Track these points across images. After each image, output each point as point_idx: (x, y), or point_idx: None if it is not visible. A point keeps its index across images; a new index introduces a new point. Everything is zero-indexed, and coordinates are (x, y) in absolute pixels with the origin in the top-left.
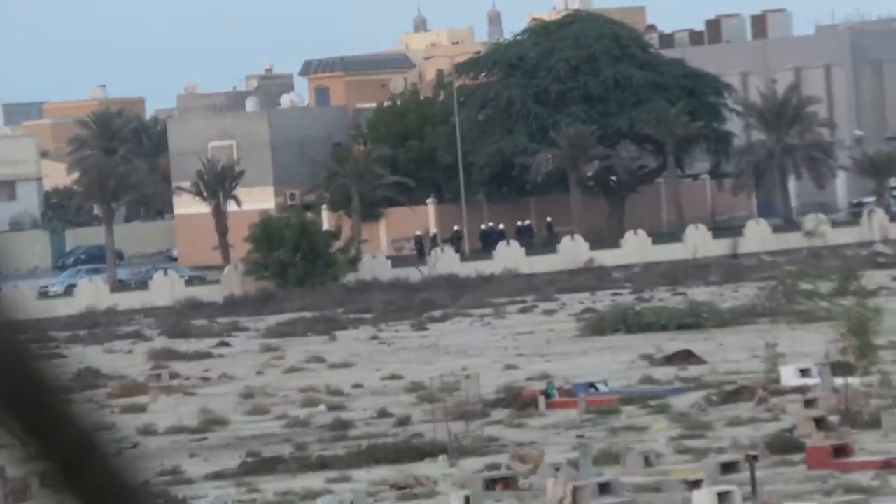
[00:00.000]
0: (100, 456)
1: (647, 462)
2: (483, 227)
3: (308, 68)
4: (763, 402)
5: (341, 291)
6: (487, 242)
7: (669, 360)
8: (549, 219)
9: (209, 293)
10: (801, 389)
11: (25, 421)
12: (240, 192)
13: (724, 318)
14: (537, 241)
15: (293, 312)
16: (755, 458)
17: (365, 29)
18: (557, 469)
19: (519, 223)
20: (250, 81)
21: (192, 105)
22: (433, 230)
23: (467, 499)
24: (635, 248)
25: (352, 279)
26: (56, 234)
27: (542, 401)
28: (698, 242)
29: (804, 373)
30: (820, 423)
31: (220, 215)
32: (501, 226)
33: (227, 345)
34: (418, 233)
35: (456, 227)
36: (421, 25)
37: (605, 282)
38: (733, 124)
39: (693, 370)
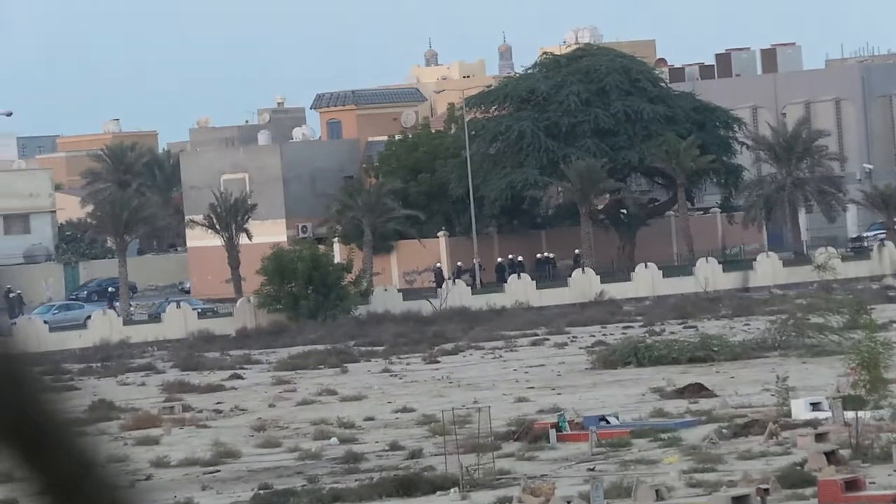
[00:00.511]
0: (106, 490)
1: (659, 495)
2: (500, 259)
3: (320, 102)
4: (774, 436)
5: (353, 324)
6: (504, 275)
7: (680, 393)
8: (576, 251)
9: (221, 326)
10: (812, 423)
11: (31, 454)
12: (252, 224)
13: (735, 352)
14: (562, 274)
15: (305, 345)
16: (766, 491)
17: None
18: (569, 502)
19: (539, 255)
20: (262, 115)
21: (204, 138)
22: (456, 262)
23: None
24: (646, 281)
25: (363, 312)
26: (70, 266)
27: (553, 433)
28: (709, 276)
29: (815, 406)
30: (831, 456)
31: (232, 248)
32: (521, 258)
33: (239, 377)
34: (438, 265)
35: (476, 260)
36: (432, 59)
37: (616, 315)
38: (743, 158)
39: (704, 403)
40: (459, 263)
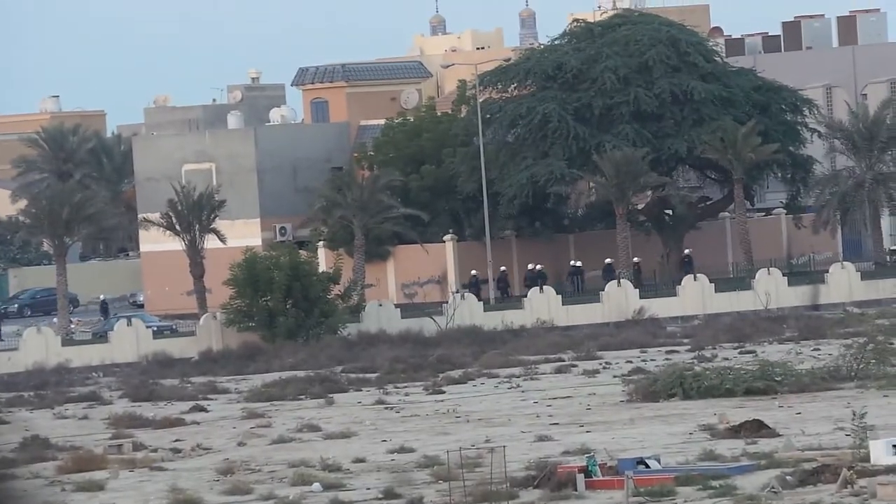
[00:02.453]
0: None
1: None
2: (531, 266)
3: (303, 77)
4: (849, 484)
5: (341, 346)
6: (535, 286)
7: (736, 431)
8: (636, 259)
9: (182, 347)
10: (894, 469)
11: None
12: (220, 225)
13: (802, 382)
14: (593, 286)
15: (282, 371)
16: None
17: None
18: None
19: (573, 263)
20: (233, 93)
21: (162, 120)
22: (471, 271)
23: None
24: (695, 296)
25: (353, 331)
26: None
27: (580, 480)
28: (771, 290)
29: None
30: None
31: (195, 253)
32: (539, 266)
33: (202, 409)
34: (503, 268)
35: (503, 268)
36: (439, 27)
37: (657, 337)
38: (814, 148)
39: (764, 444)
40: (475, 272)
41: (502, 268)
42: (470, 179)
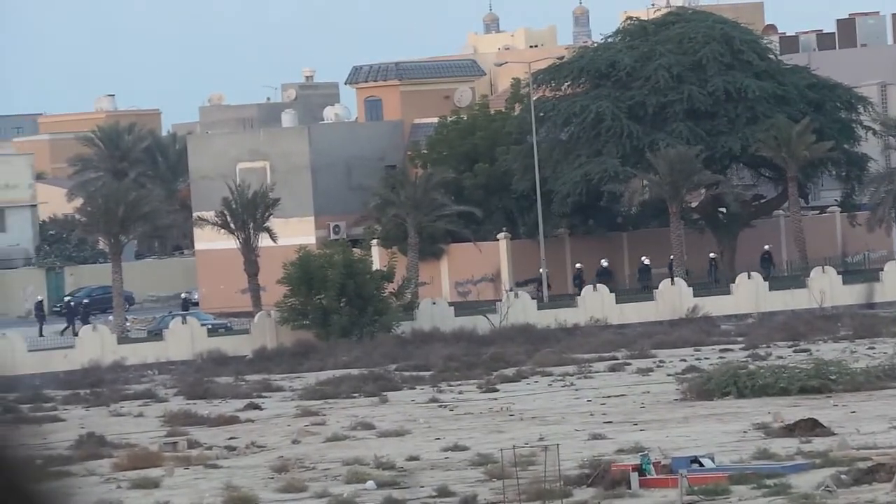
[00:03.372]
0: None
1: None
2: (603, 262)
3: (356, 76)
4: None
5: (394, 344)
6: (605, 282)
7: (790, 430)
8: (711, 254)
9: (236, 345)
10: None
11: None
12: (274, 223)
13: (857, 381)
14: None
15: (336, 369)
16: None
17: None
18: None
19: (644, 260)
20: (287, 91)
21: (217, 119)
22: (576, 264)
23: None
24: (749, 294)
25: (407, 329)
26: (53, 272)
27: (635, 478)
28: (826, 288)
29: None
30: None
31: (249, 251)
32: (646, 260)
33: (257, 407)
34: (578, 265)
35: (578, 265)
36: (492, 25)
37: (711, 335)
38: (870, 146)
39: (819, 443)
40: (579, 265)
41: (578, 265)
42: (523, 177)
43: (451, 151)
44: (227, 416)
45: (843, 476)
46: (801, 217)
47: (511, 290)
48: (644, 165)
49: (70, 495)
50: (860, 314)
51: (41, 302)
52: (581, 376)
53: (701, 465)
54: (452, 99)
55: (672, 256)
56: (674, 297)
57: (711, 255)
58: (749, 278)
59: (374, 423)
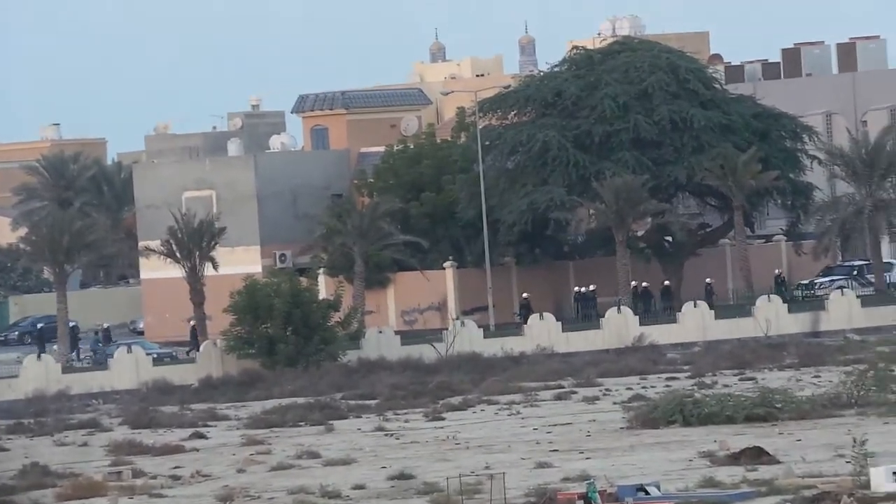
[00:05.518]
0: None
1: None
2: (579, 289)
3: (302, 104)
4: None
5: (341, 373)
6: (586, 307)
7: (736, 458)
8: (666, 282)
9: (181, 374)
10: (894, 496)
11: None
12: (220, 252)
13: (803, 409)
14: (655, 307)
15: (282, 398)
16: None
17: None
18: None
19: (581, 289)
20: (233, 120)
21: (163, 148)
22: (522, 294)
23: None
24: (695, 323)
25: (353, 358)
26: None
27: None
28: (771, 317)
29: None
30: None
31: (195, 280)
32: (592, 287)
33: (202, 436)
34: (525, 295)
35: (525, 295)
36: (439, 54)
37: (657, 363)
38: (815, 175)
39: (765, 471)
40: (526, 295)
41: (524, 295)
42: (470, 206)
43: (398, 180)
44: (172, 446)
45: None
46: (746, 246)
47: (457, 318)
48: (590, 194)
49: None
50: (805, 343)
51: None
52: (527, 405)
53: (647, 493)
54: (399, 128)
55: (580, 288)
56: (620, 326)
57: (666, 282)
58: (695, 307)
59: (320, 451)
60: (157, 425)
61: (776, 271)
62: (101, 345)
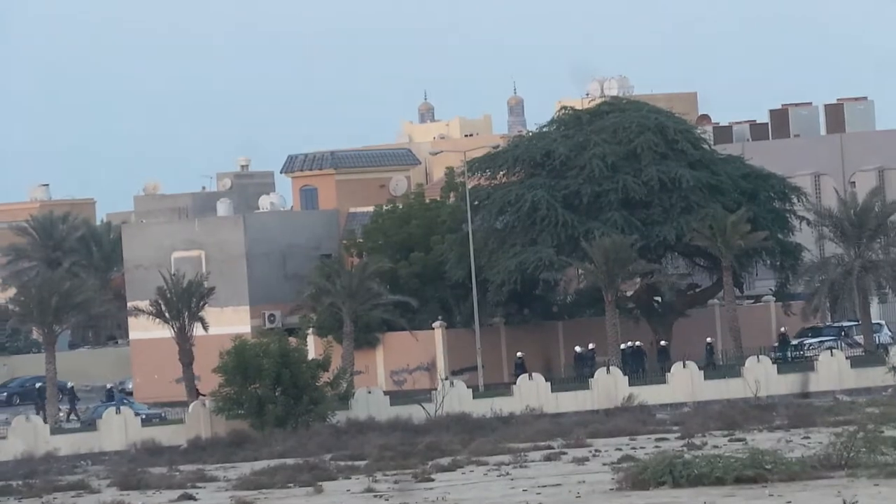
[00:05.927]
0: None
1: None
2: (578, 349)
3: (292, 165)
4: None
5: (330, 433)
6: (584, 366)
7: None
8: (662, 343)
9: (170, 435)
10: None
11: None
12: (209, 312)
13: (793, 471)
14: (650, 367)
15: (271, 459)
16: None
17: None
18: None
19: (628, 345)
20: (223, 180)
21: (152, 208)
22: (516, 353)
23: None
24: (684, 383)
25: (342, 419)
26: None
27: None
28: (761, 378)
29: None
30: None
31: (184, 341)
32: (591, 345)
33: (191, 498)
34: (519, 354)
35: (519, 354)
36: (427, 114)
37: (647, 424)
38: (803, 235)
39: None
40: (520, 354)
41: (518, 353)
42: (459, 266)
43: (387, 240)
44: None
45: None
46: (735, 306)
47: (446, 378)
48: (579, 254)
49: None
50: (795, 404)
51: None
52: (517, 465)
53: None
54: (388, 188)
55: (577, 348)
56: (609, 386)
57: (662, 342)
58: (685, 367)
59: None
60: (145, 487)
61: (781, 329)
62: (103, 402)
